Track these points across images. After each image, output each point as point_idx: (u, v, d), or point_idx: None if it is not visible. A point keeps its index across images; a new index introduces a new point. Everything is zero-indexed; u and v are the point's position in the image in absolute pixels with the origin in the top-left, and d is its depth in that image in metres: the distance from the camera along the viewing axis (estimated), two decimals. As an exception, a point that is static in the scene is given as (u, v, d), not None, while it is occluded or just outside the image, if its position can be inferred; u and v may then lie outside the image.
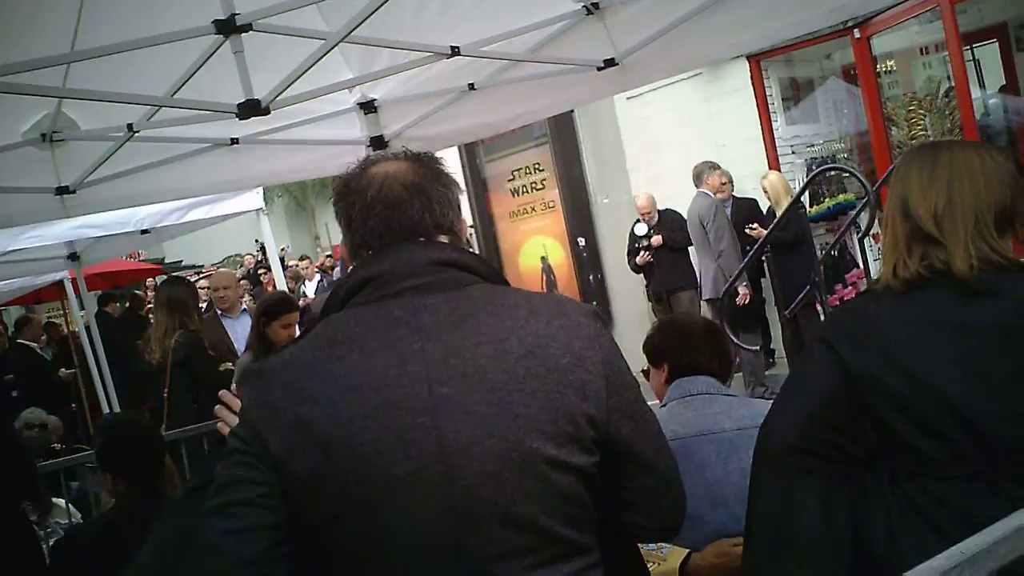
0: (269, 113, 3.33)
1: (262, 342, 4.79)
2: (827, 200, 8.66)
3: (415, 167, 1.66)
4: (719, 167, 8.68)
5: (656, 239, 8.92)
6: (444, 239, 1.64)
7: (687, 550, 2.47)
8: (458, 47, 3.76)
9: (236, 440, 1.53)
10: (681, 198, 9.27)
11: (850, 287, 7.76)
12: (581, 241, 10.58)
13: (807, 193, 7.60)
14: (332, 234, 24.20)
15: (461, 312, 1.53)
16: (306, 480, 1.46)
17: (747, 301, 8.06)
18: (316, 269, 13.40)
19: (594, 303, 10.46)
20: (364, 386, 1.47)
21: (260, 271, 13.24)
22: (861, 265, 7.32)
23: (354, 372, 1.48)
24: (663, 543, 2.50)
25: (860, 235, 7.12)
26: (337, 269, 14.42)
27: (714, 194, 8.49)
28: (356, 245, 1.65)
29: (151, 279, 16.76)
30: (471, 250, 1.72)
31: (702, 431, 2.55)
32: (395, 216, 1.60)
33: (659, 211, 9.09)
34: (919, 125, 8.17)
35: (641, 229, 8.97)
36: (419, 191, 1.62)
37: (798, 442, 1.87)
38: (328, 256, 16.61)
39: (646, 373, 2.88)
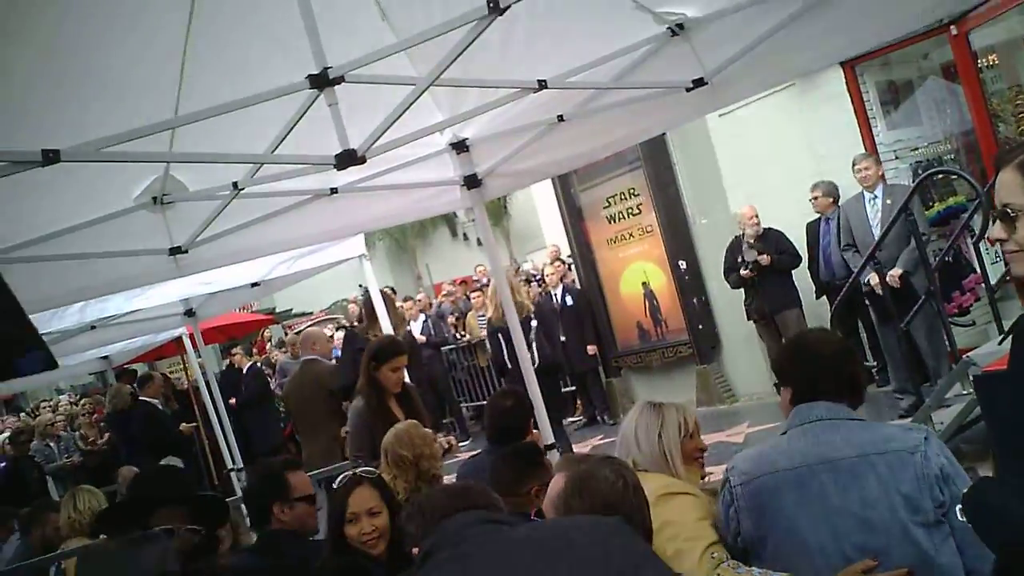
0: (365, 162, 3.39)
1: (371, 386, 4.85)
2: (937, 205, 8.34)
3: None
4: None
5: (764, 258, 8.74)
6: None
7: None
8: (545, 80, 3.76)
9: None
10: (783, 214, 9.09)
11: (968, 293, 7.43)
12: (682, 264, 10.42)
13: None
14: (433, 273, 24.55)
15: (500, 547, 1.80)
16: None
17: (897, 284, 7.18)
18: (419, 310, 13.56)
19: (699, 326, 10.30)
20: None
21: (365, 314, 13.50)
22: (978, 270, 7.00)
23: None
24: (785, 573, 2.42)
25: (975, 239, 6.82)
26: (439, 303, 14.61)
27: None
28: None
29: (266, 329, 17.28)
30: None
31: (820, 459, 2.46)
32: None
33: (764, 229, 8.93)
34: (1029, 117, 7.82)
35: (750, 255, 8.80)
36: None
37: None
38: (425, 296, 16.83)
39: (778, 387, 2.79)
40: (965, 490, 1.93)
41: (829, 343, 2.68)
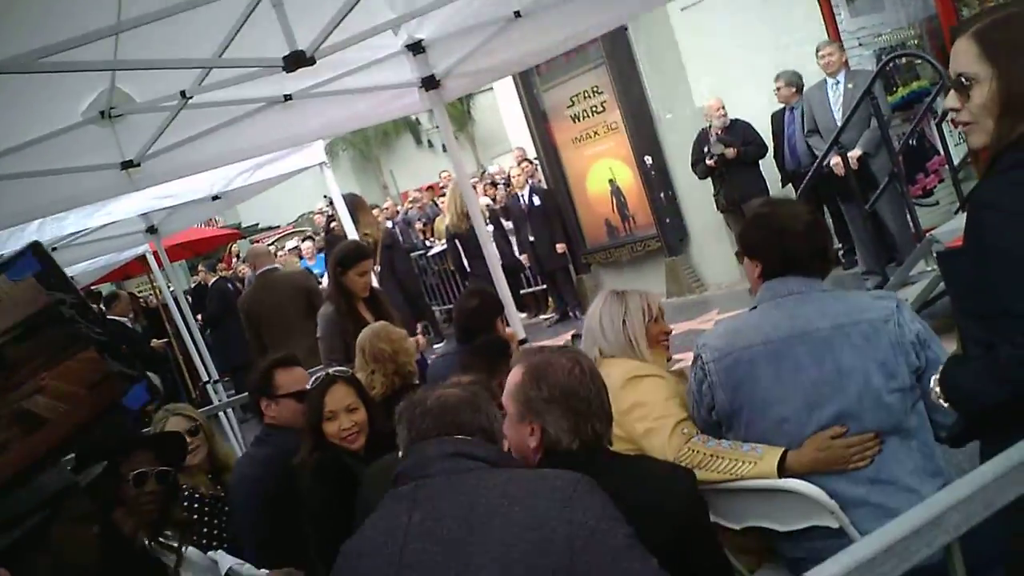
0: (315, 63, 3.31)
1: (339, 291, 4.82)
2: (900, 89, 8.29)
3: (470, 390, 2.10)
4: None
5: (730, 151, 8.74)
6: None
7: (783, 449, 2.43)
8: (499, -28, 3.65)
9: None
10: (748, 105, 9.02)
11: (932, 175, 7.47)
12: (648, 160, 10.37)
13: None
14: (399, 181, 24.31)
15: (453, 489, 1.85)
16: None
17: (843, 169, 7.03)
18: (385, 217, 13.46)
19: (667, 220, 10.33)
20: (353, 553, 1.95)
21: (332, 224, 13.37)
22: (942, 151, 7.03)
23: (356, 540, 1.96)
24: (757, 444, 2.47)
25: (937, 121, 6.82)
26: (405, 211, 14.50)
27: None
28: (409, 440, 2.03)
29: (233, 243, 17.11)
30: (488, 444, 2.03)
31: (795, 332, 2.47)
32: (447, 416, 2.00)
33: (731, 120, 8.89)
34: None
35: (717, 148, 8.78)
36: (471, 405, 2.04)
37: None
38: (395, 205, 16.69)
39: (740, 256, 2.77)
40: (938, 373, 1.97)
41: (798, 217, 2.60)
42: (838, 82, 7.54)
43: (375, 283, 5.67)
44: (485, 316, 4.18)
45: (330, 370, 3.36)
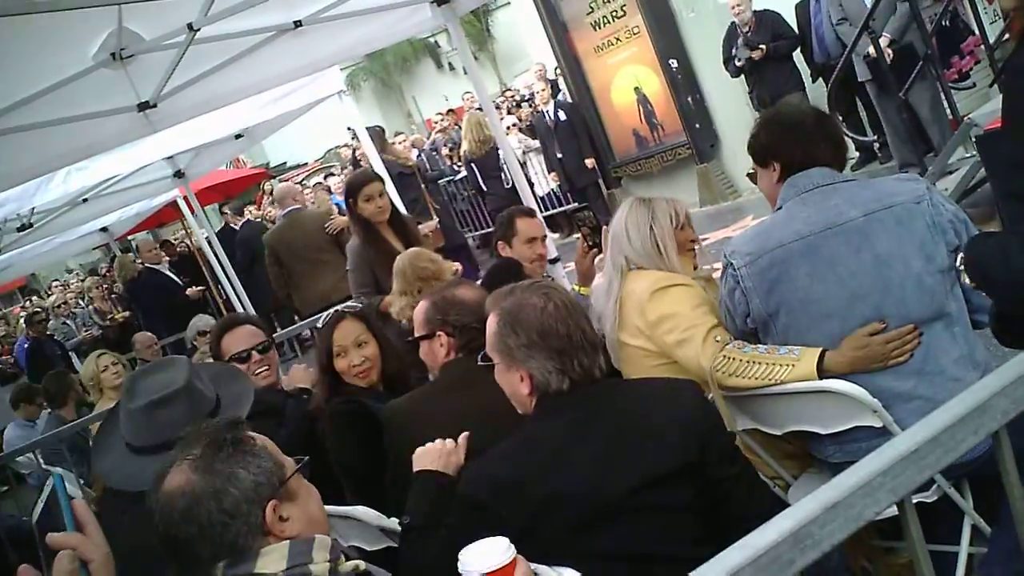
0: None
1: (356, 221, 4.67)
2: (933, -33, 7.94)
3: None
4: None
5: (757, 53, 8.46)
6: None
7: (820, 349, 2.37)
8: None
9: None
10: (776, -1, 8.71)
11: (967, 57, 7.19)
12: (673, 63, 10.09)
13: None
14: (422, 107, 24.09)
15: None
16: None
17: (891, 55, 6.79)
18: (411, 144, 13.33)
19: (696, 125, 10.10)
20: None
21: (359, 155, 13.30)
22: (977, 31, 6.74)
23: None
24: (794, 347, 2.41)
25: (972, -2, 6.53)
26: (431, 138, 14.36)
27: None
28: None
29: (266, 183, 17.09)
30: None
31: (827, 225, 2.40)
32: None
33: (756, 12, 8.58)
34: None
35: (743, 52, 8.51)
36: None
37: None
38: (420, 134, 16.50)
39: (752, 176, 2.72)
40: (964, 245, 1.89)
41: (806, 112, 2.61)
42: (865, -36, 7.17)
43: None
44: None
45: (340, 307, 3.28)
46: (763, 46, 8.46)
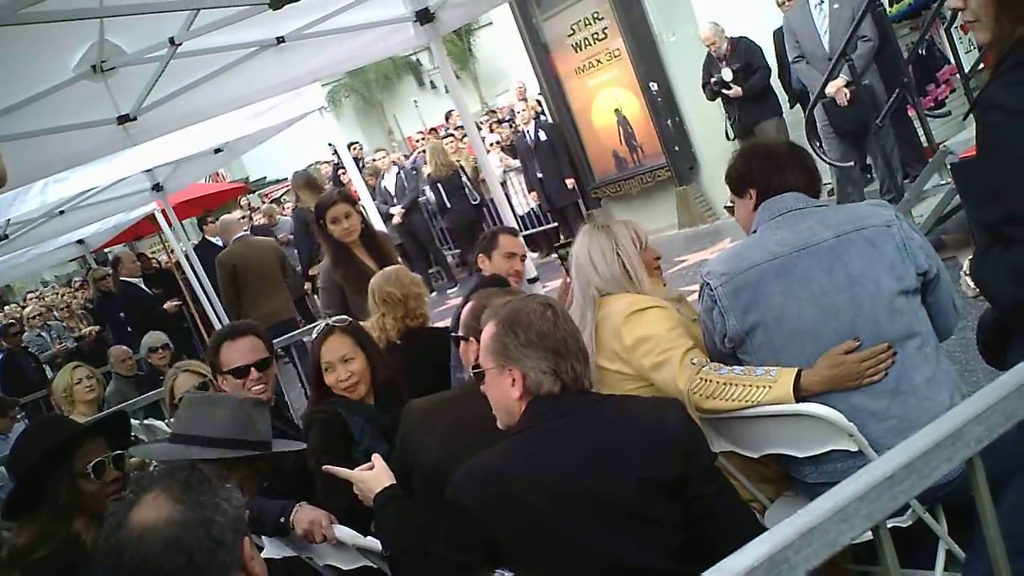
0: (301, -1, 3.22)
1: (327, 241, 4.59)
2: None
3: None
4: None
5: (733, 92, 8.56)
6: None
7: (796, 369, 2.38)
8: None
9: None
10: (756, 24, 8.80)
11: (943, 85, 7.29)
12: (653, 86, 10.16)
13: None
14: (403, 125, 24.10)
15: None
16: None
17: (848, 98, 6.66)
18: (392, 162, 13.31)
19: (675, 148, 10.17)
20: None
21: (340, 172, 13.25)
22: (952, 60, 6.83)
23: None
24: (770, 367, 2.43)
25: (946, 26, 6.62)
26: (411, 159, 14.34)
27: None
28: None
29: (242, 198, 17.02)
30: None
31: (800, 245, 2.45)
32: None
33: (731, 40, 8.66)
34: None
35: (727, 74, 8.58)
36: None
37: None
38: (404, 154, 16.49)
39: (731, 209, 2.77)
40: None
41: (781, 144, 2.73)
42: (821, 2, 6.92)
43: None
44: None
45: (330, 320, 3.31)
46: (739, 88, 8.52)
